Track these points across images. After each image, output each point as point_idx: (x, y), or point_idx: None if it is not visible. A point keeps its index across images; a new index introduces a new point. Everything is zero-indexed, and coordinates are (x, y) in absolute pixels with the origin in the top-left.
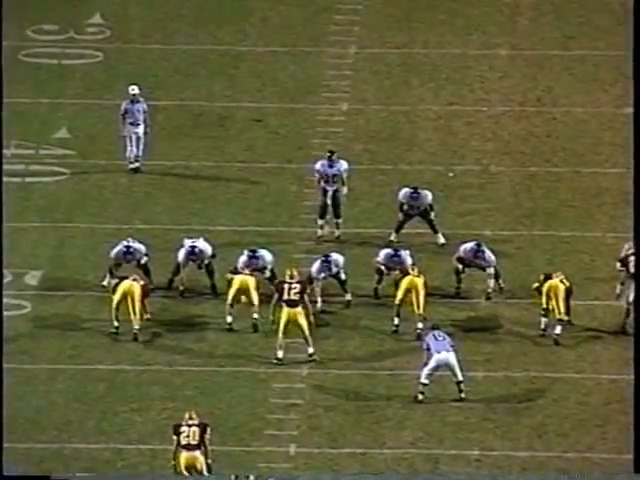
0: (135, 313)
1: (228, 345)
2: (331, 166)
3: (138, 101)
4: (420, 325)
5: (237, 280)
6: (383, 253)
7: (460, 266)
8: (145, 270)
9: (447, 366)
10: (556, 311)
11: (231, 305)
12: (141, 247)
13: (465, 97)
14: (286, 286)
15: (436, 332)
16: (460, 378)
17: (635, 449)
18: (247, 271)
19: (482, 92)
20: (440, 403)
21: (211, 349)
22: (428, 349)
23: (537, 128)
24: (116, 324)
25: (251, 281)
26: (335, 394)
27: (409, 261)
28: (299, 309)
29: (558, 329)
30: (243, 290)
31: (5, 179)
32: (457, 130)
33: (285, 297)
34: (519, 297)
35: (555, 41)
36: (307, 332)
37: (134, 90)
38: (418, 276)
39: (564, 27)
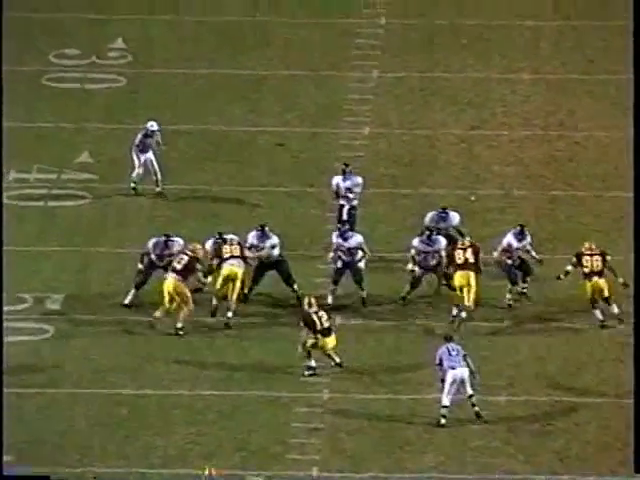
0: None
1: (249, 369)
2: (345, 180)
3: (152, 135)
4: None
5: (226, 269)
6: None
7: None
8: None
9: (459, 381)
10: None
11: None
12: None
13: (487, 121)
14: (315, 317)
15: (450, 346)
16: (470, 392)
17: (635, 449)
18: (252, 252)
19: (504, 116)
20: (461, 427)
21: (232, 373)
22: (440, 364)
23: (559, 152)
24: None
25: (239, 272)
26: (356, 418)
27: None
28: (332, 337)
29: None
30: (231, 279)
31: (27, 203)
32: (479, 154)
33: (318, 328)
34: (541, 320)
35: (577, 65)
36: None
37: (153, 127)
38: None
39: (586, 51)
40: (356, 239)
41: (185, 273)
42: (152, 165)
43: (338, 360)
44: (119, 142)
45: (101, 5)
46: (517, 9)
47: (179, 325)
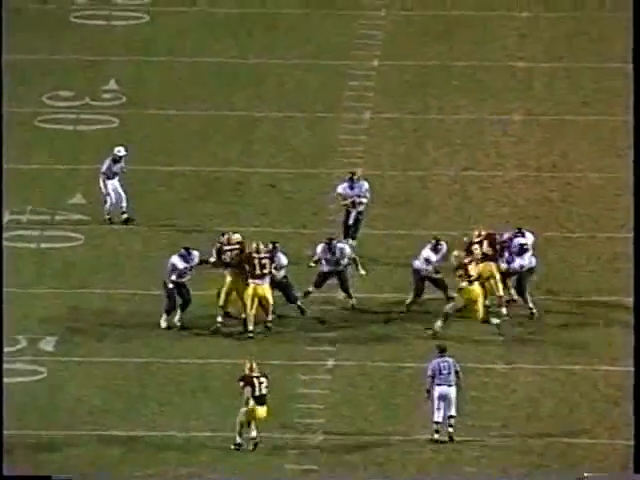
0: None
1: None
2: (352, 187)
3: (120, 160)
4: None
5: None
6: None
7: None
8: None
9: (446, 399)
10: None
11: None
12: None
13: (480, 162)
14: (255, 381)
15: (442, 362)
16: (453, 413)
17: (635, 449)
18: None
19: (497, 157)
20: (456, 467)
21: (226, 414)
22: (433, 377)
23: (552, 193)
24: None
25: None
26: (350, 460)
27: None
28: (265, 408)
29: None
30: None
31: (21, 245)
32: (472, 195)
33: (256, 393)
34: (534, 363)
35: (570, 106)
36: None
37: (120, 152)
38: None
39: (579, 92)
40: (346, 251)
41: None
42: (118, 192)
43: (254, 434)
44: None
45: (94, 47)
46: (509, 50)
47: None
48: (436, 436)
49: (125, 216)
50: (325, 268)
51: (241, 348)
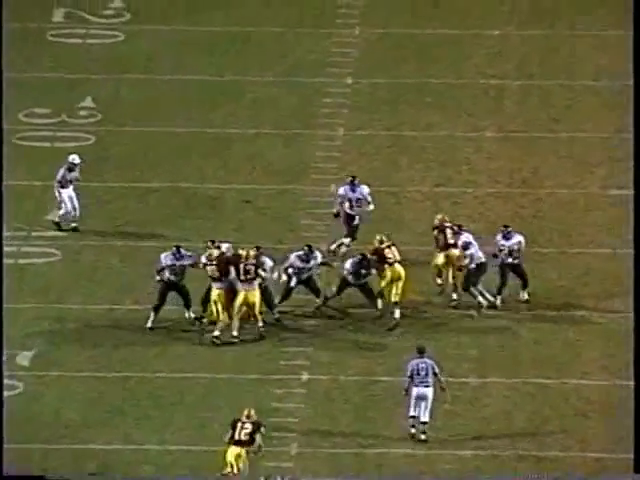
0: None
1: (218, 425)
2: (353, 190)
3: (74, 168)
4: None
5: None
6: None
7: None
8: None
9: (424, 400)
10: None
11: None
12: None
13: (452, 178)
14: (239, 426)
15: (420, 363)
16: (426, 419)
17: (635, 449)
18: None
19: (469, 173)
20: (427, 476)
21: (202, 427)
22: (411, 377)
23: (523, 209)
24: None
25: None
26: (325, 474)
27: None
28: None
29: None
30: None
31: None
32: (445, 211)
33: (235, 437)
34: (505, 377)
35: (541, 123)
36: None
37: (75, 160)
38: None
39: (550, 110)
40: (317, 260)
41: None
42: (72, 201)
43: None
44: (88, 200)
45: (71, 65)
46: (482, 68)
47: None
48: (412, 430)
49: (74, 225)
50: (293, 282)
51: (217, 362)
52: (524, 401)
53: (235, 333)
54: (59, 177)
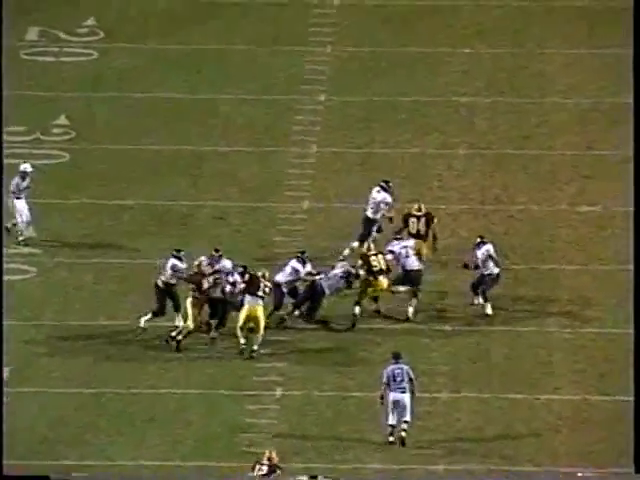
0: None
1: (191, 440)
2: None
3: (26, 177)
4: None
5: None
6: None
7: None
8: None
9: (400, 405)
10: None
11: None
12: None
13: (424, 195)
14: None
15: (396, 369)
16: (408, 418)
17: (635, 449)
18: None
19: (440, 190)
20: None
21: (175, 443)
22: (388, 384)
23: (495, 226)
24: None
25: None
26: None
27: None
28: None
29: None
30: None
31: None
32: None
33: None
34: (476, 391)
35: (512, 140)
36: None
37: (27, 168)
38: None
39: (520, 127)
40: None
41: None
42: (24, 211)
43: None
44: (63, 218)
45: (45, 83)
46: (453, 86)
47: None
48: (390, 439)
49: (26, 236)
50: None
51: (190, 378)
52: (496, 416)
53: (256, 347)
54: (13, 187)
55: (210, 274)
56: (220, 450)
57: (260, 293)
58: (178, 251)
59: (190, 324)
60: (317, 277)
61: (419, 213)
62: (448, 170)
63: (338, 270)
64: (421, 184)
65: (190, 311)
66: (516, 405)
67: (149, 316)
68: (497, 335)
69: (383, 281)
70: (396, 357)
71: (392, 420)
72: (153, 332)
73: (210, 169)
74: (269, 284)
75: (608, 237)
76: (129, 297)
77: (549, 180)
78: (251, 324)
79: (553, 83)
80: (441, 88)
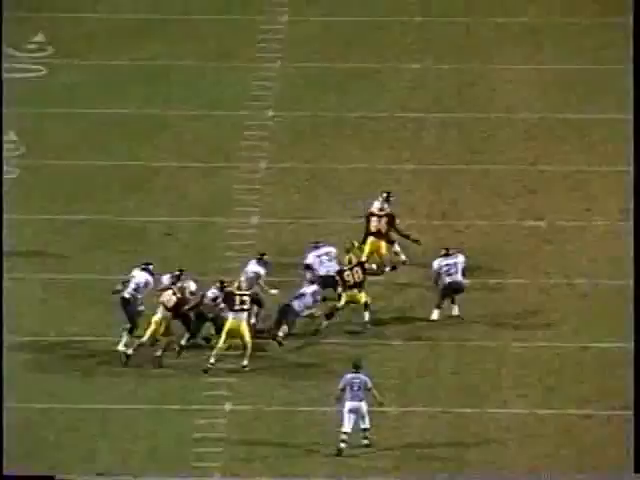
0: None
1: (140, 455)
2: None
3: None
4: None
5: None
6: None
7: None
8: None
9: (357, 413)
10: None
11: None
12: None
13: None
14: None
15: (354, 378)
16: (366, 426)
17: (635, 449)
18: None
19: (390, 206)
20: None
21: (124, 458)
22: (343, 390)
23: (443, 240)
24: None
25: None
26: None
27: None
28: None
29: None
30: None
31: None
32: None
33: None
34: (425, 405)
35: (459, 156)
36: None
37: None
38: None
39: (468, 142)
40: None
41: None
42: None
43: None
44: (12, 233)
45: None
46: (400, 101)
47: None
48: (342, 445)
49: None
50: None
51: (139, 393)
52: (444, 430)
53: (245, 362)
54: None
55: (191, 293)
56: (169, 464)
57: (237, 307)
58: (147, 264)
59: (145, 339)
60: (273, 292)
61: (381, 213)
62: (396, 185)
63: (308, 290)
64: (370, 199)
65: (153, 326)
66: (464, 419)
67: (125, 338)
68: (445, 349)
69: (359, 295)
70: (356, 367)
71: (346, 427)
72: (103, 347)
73: (159, 185)
74: (246, 293)
75: (554, 251)
76: (79, 312)
77: (496, 195)
78: (236, 340)
79: (499, 99)
80: (389, 104)
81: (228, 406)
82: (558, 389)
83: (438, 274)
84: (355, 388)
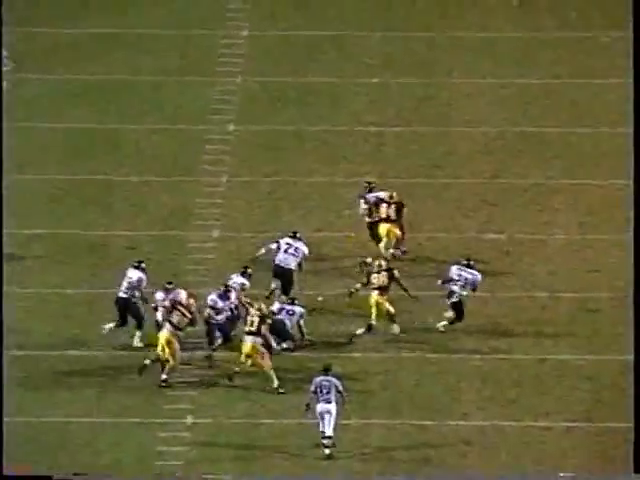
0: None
1: (100, 468)
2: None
3: None
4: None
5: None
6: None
7: None
8: None
9: (325, 415)
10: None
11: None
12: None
13: (333, 223)
14: None
15: (324, 381)
16: (330, 433)
17: (635, 449)
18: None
19: (350, 218)
20: None
21: (86, 471)
22: (315, 392)
23: (404, 253)
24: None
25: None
26: None
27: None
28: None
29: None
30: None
31: None
32: (326, 255)
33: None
34: (386, 418)
35: (420, 169)
36: None
37: None
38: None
39: (428, 156)
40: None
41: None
42: None
43: None
44: None
45: None
46: (360, 115)
47: (163, 377)
48: (327, 451)
49: None
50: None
51: (101, 406)
52: (404, 442)
53: (275, 385)
54: None
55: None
56: (131, 477)
57: (247, 329)
58: (140, 262)
59: (172, 361)
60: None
61: (391, 200)
62: (357, 198)
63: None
64: (331, 212)
65: (169, 348)
66: (424, 431)
67: (111, 325)
68: (407, 362)
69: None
70: (326, 369)
71: (322, 427)
72: (66, 360)
73: (120, 199)
74: (255, 312)
75: (514, 264)
76: (38, 327)
77: (456, 208)
78: (249, 362)
79: (460, 113)
80: (349, 117)
81: (190, 419)
82: (518, 401)
83: (451, 280)
84: (324, 391)
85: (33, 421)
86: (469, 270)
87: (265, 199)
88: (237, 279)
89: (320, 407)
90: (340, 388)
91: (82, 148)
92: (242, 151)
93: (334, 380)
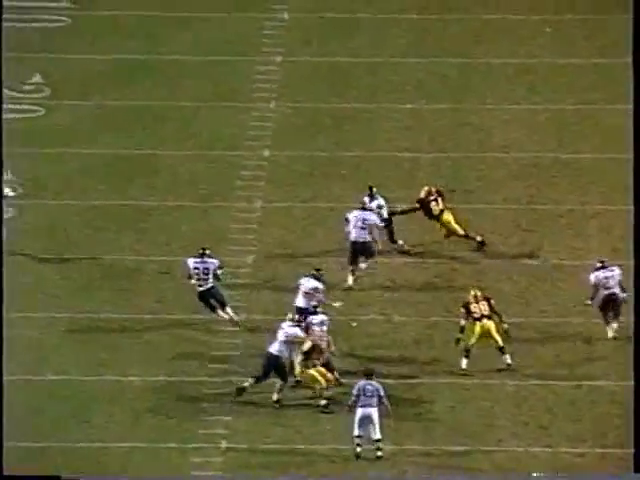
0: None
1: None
2: (372, 200)
3: None
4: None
5: None
6: None
7: None
8: None
9: (369, 421)
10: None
11: None
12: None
13: None
14: None
15: (367, 385)
16: (378, 436)
17: (635, 449)
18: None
19: (384, 245)
20: None
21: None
22: (358, 396)
23: (437, 279)
24: None
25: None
26: None
27: None
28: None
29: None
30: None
31: None
32: (361, 281)
33: None
34: (423, 444)
35: (454, 195)
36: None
37: None
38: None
39: (463, 181)
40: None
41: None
42: None
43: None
44: (10, 273)
45: None
46: (395, 141)
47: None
48: (358, 449)
49: None
50: None
51: (136, 431)
52: (440, 468)
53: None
54: None
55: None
56: (140, 477)
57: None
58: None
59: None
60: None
61: (434, 196)
62: (393, 225)
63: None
64: None
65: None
66: (460, 458)
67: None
68: (441, 387)
69: (489, 323)
70: (368, 374)
71: (357, 431)
72: (99, 385)
73: (155, 224)
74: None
75: (548, 290)
76: (72, 352)
77: (491, 233)
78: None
79: (493, 138)
80: (383, 143)
81: (224, 444)
82: (551, 427)
83: (596, 287)
84: (368, 394)
85: (69, 447)
86: (606, 269)
87: (299, 224)
88: (311, 284)
89: (362, 411)
90: (382, 393)
91: (118, 174)
92: (277, 177)
93: (377, 385)
